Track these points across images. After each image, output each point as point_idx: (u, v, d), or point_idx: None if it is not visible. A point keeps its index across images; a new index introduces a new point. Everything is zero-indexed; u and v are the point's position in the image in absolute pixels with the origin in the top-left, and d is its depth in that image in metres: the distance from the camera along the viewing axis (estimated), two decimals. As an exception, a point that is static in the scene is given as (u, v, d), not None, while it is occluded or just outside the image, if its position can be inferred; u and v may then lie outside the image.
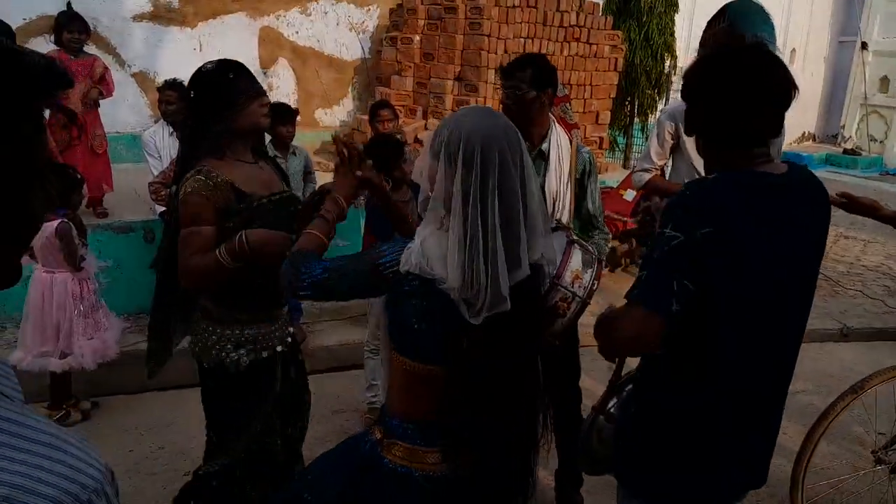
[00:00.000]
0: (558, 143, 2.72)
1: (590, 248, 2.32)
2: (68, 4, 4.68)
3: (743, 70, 1.45)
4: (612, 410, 1.80)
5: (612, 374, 1.85)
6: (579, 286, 2.18)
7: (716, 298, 1.43)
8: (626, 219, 6.13)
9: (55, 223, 3.33)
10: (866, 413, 2.82)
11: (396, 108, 7.04)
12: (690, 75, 1.55)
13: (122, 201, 4.90)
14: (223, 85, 2.09)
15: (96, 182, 4.72)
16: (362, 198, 3.74)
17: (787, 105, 1.46)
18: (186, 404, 3.84)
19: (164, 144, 4.49)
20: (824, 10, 13.89)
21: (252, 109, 2.11)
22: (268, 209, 2.13)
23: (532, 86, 2.60)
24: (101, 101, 4.89)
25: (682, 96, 1.58)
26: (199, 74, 2.14)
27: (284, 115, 4.17)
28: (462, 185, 1.40)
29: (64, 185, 3.23)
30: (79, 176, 3.47)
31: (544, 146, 2.70)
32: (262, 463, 2.29)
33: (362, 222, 3.73)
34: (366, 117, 6.29)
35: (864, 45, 13.47)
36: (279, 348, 2.27)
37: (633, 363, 1.71)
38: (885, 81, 13.38)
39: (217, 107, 2.09)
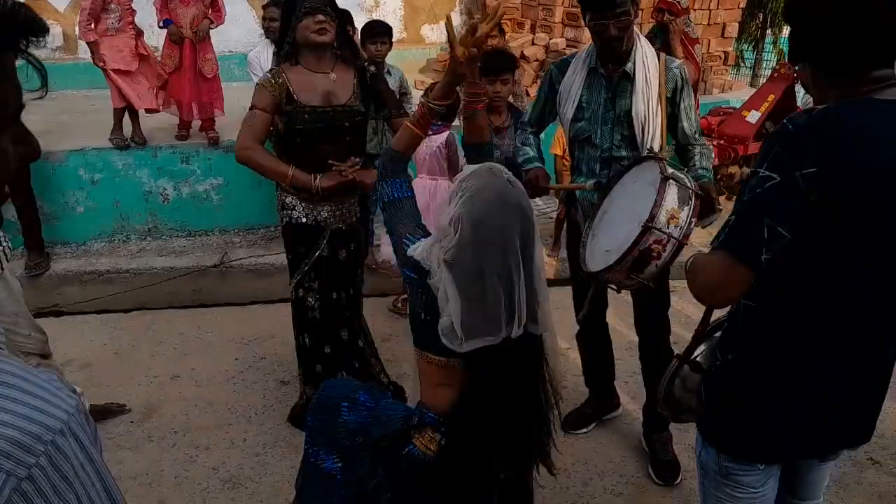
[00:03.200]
0: (644, 62, 2.45)
1: (687, 181, 2.11)
2: None
3: None
4: (698, 359, 1.67)
5: (699, 323, 1.71)
6: (675, 227, 1.99)
7: (816, 241, 1.27)
8: (748, 142, 5.66)
9: (444, 135, 3.72)
10: None
11: (504, 21, 6.76)
12: None
13: (233, 121, 5.05)
14: (289, 1, 2.51)
15: (205, 106, 4.83)
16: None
17: None
18: (289, 318, 4.05)
19: (268, 63, 4.54)
20: None
21: (304, 24, 2.46)
22: (304, 116, 2.55)
23: (633, 5, 2.36)
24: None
25: (785, 14, 1.34)
26: None
27: (373, 33, 4.05)
28: (453, 241, 1.46)
29: None
30: None
31: (628, 66, 2.46)
32: (304, 312, 2.88)
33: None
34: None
35: None
36: (324, 223, 2.76)
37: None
38: None
39: (285, 20, 2.54)
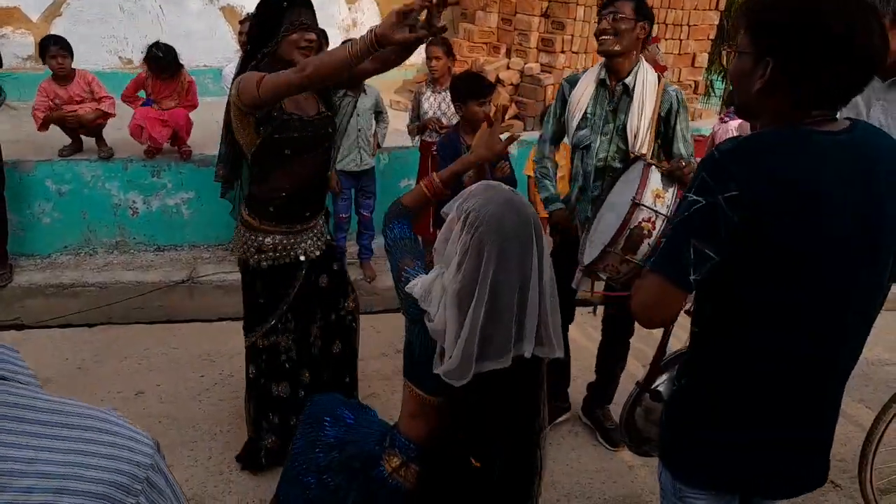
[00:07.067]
0: (644, 80, 2.65)
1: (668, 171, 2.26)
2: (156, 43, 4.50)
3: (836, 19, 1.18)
4: (659, 388, 1.69)
5: (655, 350, 1.74)
6: (662, 205, 2.12)
7: (743, 263, 1.30)
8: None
9: (737, 121, 4.49)
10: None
11: (479, 45, 6.85)
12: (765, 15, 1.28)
13: (205, 135, 5.02)
14: (274, 11, 2.28)
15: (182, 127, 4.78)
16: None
17: (871, 76, 1.25)
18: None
19: (243, 79, 4.53)
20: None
21: (292, 39, 2.27)
22: (295, 124, 2.36)
23: (635, 15, 2.57)
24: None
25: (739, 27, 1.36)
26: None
27: None
28: (463, 266, 1.41)
29: None
30: None
31: (628, 80, 2.66)
32: (274, 358, 2.63)
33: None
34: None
35: None
36: (301, 258, 2.56)
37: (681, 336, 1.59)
38: None
39: (265, 31, 2.30)
